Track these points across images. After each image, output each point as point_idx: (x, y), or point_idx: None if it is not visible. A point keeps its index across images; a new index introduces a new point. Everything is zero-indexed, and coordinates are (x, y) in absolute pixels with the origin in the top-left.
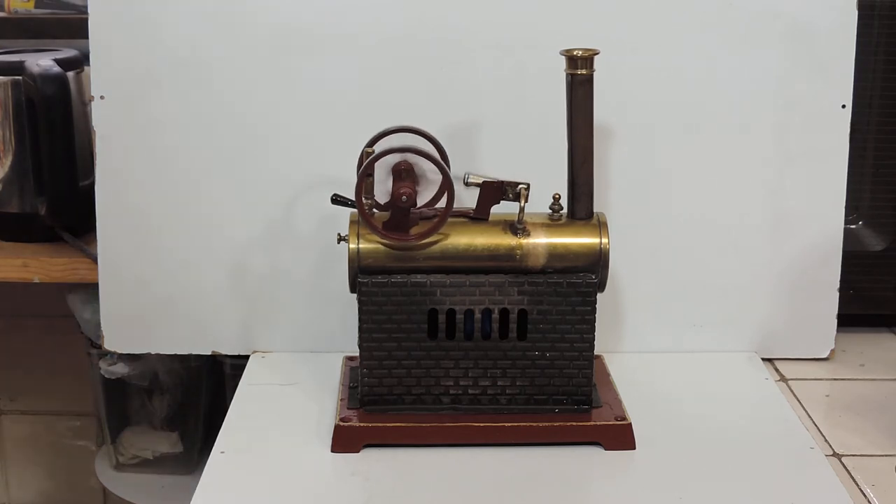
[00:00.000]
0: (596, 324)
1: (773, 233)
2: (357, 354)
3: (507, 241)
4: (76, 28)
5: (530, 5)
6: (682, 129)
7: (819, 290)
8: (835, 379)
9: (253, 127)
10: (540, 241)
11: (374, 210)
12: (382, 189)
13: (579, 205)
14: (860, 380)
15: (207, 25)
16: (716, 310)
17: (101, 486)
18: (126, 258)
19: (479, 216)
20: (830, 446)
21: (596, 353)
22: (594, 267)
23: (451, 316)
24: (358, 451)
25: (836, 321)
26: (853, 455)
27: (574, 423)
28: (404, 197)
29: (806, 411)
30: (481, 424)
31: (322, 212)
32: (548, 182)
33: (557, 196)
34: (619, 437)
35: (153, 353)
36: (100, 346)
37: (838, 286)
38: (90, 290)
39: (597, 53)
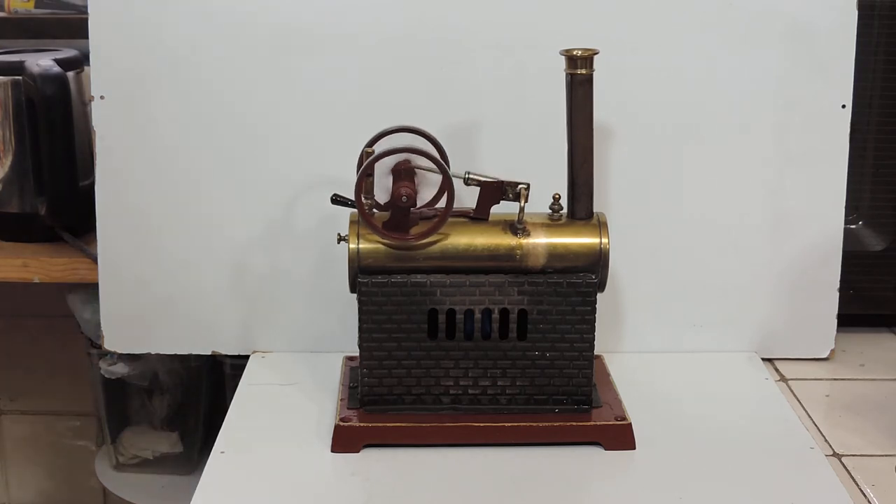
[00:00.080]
0: (596, 324)
1: (773, 233)
2: (357, 354)
3: (507, 241)
4: (76, 28)
5: (530, 5)
6: (682, 129)
7: (819, 290)
8: (835, 379)
9: (253, 127)
10: (540, 241)
11: (374, 210)
12: (382, 189)
13: (579, 205)
14: (860, 380)
15: (207, 25)
16: (716, 310)
17: (101, 486)
18: (126, 258)
19: (479, 216)
20: (830, 446)
21: (596, 353)
22: (594, 267)
23: (451, 316)
24: (358, 451)
25: (836, 321)
26: (853, 455)
27: (574, 423)
28: (404, 197)
29: (806, 411)
30: (481, 424)
31: (322, 212)
32: (548, 182)
33: (557, 196)
34: (619, 437)
35: (153, 353)
36: (100, 346)
37: (838, 286)
38: (90, 290)
39: (597, 53)
